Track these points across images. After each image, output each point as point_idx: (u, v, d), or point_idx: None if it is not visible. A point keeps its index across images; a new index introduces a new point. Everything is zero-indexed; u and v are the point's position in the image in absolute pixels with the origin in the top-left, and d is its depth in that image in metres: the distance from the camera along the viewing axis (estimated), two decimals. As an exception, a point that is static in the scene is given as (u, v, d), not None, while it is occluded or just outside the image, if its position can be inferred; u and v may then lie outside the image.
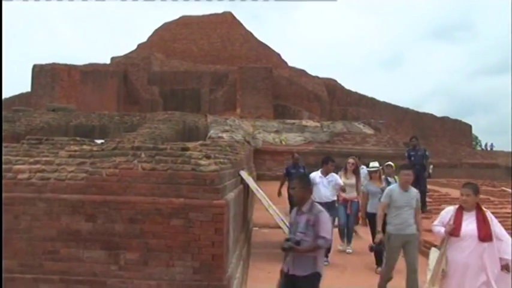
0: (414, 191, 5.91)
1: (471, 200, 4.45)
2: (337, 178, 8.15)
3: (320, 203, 6.70)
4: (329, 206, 7.43)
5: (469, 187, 4.52)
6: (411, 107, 36.70)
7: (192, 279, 4.58)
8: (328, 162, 8.11)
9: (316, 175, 8.01)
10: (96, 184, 4.74)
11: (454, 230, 4.43)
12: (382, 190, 6.69)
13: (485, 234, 4.30)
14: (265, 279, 6.36)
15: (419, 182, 10.22)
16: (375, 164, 8.17)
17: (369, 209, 7.55)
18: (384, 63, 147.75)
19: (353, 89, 35.05)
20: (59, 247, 4.61)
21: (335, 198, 8.15)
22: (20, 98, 28.84)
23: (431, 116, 36.40)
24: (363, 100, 33.98)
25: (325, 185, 7.94)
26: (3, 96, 29.38)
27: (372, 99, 34.51)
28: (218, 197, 4.76)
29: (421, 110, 40.33)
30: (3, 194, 4.82)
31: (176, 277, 4.57)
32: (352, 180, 8.65)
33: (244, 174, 8.05)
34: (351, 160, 8.81)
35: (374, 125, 23.38)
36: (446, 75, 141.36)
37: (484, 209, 4.51)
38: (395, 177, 8.15)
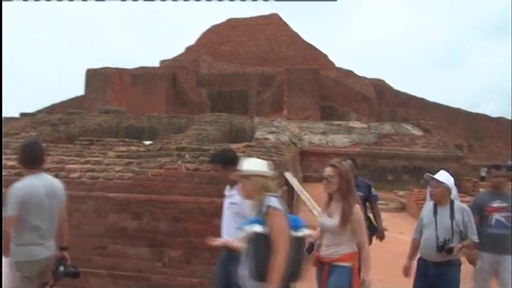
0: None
1: None
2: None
3: None
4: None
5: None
6: (466, 108, 35.52)
7: (233, 278, 4.66)
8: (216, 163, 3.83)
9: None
10: (142, 183, 4.92)
11: None
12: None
13: None
14: (305, 279, 6.35)
15: None
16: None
17: None
18: (440, 62, 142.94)
19: (403, 90, 34.34)
20: (107, 243, 4.82)
21: None
22: (75, 101, 30.00)
23: (485, 117, 35.05)
24: (412, 101, 33.18)
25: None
26: (59, 100, 30.74)
27: (422, 100, 33.65)
28: (259, 197, 4.82)
29: (477, 110, 38.91)
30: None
31: (218, 275, 4.66)
32: (336, 220, 3.42)
33: (288, 175, 8.08)
34: (327, 170, 3.52)
35: (424, 126, 22.80)
36: (505, 73, 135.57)
37: None
38: None
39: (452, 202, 4.08)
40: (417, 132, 18.43)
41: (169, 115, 19.21)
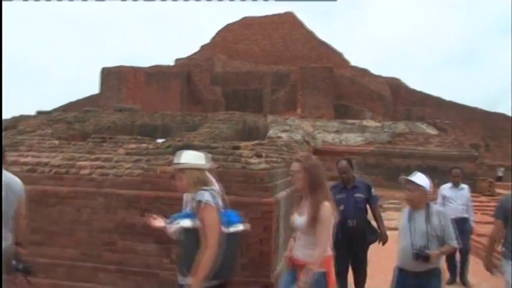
0: None
1: None
2: None
3: None
4: None
5: None
6: (484, 107, 35.01)
7: (241, 275, 4.66)
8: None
9: None
10: (150, 180, 4.96)
11: None
12: None
13: None
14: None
15: None
16: None
17: None
18: (457, 61, 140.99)
19: (419, 89, 34.06)
20: (116, 239, 4.87)
21: None
22: (90, 99, 30.33)
23: (502, 116, 34.53)
24: (428, 100, 32.89)
25: None
26: (75, 98, 31.09)
27: (438, 99, 33.32)
28: (267, 195, 4.82)
29: (496, 109, 38.30)
30: (68, 188, 5.16)
31: (225, 272, 4.69)
32: (304, 219, 3.23)
33: (299, 173, 8.05)
34: (292, 166, 3.41)
35: (439, 125, 22.59)
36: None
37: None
38: None
39: (428, 206, 3.75)
40: (432, 131, 18.27)
41: (183, 113, 19.31)
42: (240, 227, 2.87)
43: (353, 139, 17.36)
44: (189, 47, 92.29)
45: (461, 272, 6.77)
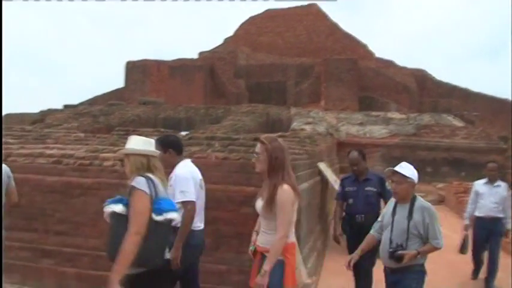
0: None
1: None
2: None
3: None
4: None
5: None
6: None
7: (262, 266, 4.69)
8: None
9: None
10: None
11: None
12: None
13: None
14: (338, 270, 6.35)
15: None
16: None
17: None
18: (485, 52, 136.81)
19: (446, 80, 33.34)
20: (139, 230, 4.93)
21: None
22: (116, 93, 30.67)
23: (533, 108, 33.61)
24: (455, 91, 32.19)
25: None
26: (101, 92, 31.48)
27: (465, 90, 32.57)
28: (288, 186, 4.81)
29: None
30: (92, 180, 5.25)
31: (245, 263, 4.70)
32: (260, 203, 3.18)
33: (322, 165, 8.03)
34: (256, 148, 3.21)
35: (467, 117, 22.14)
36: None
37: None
38: None
39: (413, 199, 3.51)
40: (458, 123, 17.93)
41: (207, 106, 19.39)
42: (169, 216, 2.77)
43: (377, 131, 17.17)
44: (212, 40, 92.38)
45: (487, 278, 6.19)
